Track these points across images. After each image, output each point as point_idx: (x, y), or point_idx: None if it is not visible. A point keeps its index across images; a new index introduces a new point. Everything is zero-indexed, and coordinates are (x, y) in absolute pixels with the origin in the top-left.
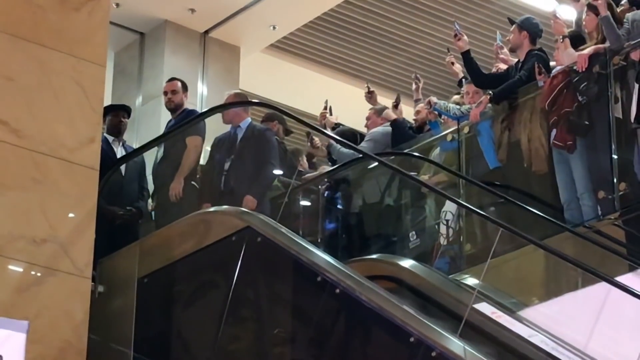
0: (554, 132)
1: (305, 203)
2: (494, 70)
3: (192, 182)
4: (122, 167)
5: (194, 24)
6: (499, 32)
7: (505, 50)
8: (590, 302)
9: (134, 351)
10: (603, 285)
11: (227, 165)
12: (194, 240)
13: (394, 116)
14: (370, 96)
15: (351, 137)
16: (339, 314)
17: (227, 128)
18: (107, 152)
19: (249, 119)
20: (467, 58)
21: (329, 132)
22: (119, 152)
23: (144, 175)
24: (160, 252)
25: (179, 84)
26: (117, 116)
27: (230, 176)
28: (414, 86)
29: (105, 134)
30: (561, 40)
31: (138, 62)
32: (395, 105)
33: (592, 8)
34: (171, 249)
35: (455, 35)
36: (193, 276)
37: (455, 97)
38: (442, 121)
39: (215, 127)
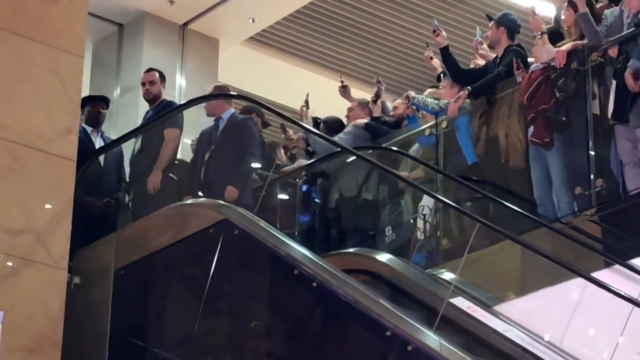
0: (531, 128)
1: (282, 196)
2: (471, 66)
3: (170, 175)
4: (101, 158)
5: (173, 15)
6: (478, 28)
7: (485, 45)
8: (566, 297)
9: (110, 343)
10: (579, 281)
11: (207, 157)
12: (172, 232)
13: (377, 112)
14: (344, 90)
15: (339, 126)
16: (315, 308)
17: (206, 120)
18: (85, 142)
19: (231, 110)
20: (445, 53)
21: (306, 124)
22: (98, 143)
23: (122, 167)
24: (138, 243)
25: (157, 74)
26: (95, 107)
27: (210, 167)
28: (376, 90)
29: (83, 125)
30: (539, 37)
31: (116, 53)
32: (375, 100)
33: (571, 4)
34: (148, 240)
35: (434, 31)
36: (170, 268)
37: (429, 90)
38: (421, 116)
39: (194, 119)
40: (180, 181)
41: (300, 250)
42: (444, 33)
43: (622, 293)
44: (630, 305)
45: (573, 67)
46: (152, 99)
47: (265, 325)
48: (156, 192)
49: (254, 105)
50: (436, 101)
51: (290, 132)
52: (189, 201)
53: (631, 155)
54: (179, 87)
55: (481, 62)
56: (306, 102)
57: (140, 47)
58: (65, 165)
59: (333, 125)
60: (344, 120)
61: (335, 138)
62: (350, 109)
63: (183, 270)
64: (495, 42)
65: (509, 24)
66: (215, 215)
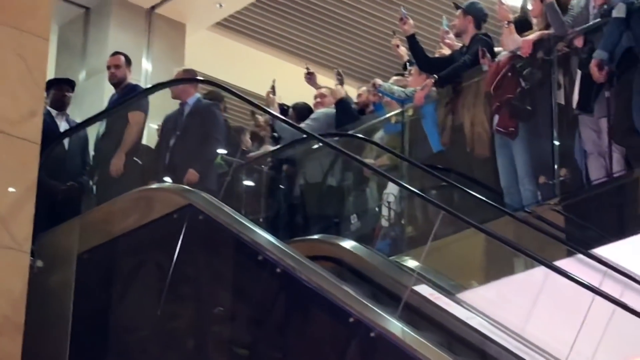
0: (496, 117)
1: (248, 182)
2: (436, 55)
3: (135, 159)
4: (65, 142)
5: None
6: (445, 17)
7: (451, 35)
8: (528, 286)
9: (72, 327)
10: (542, 270)
11: (172, 142)
12: (136, 216)
13: (342, 93)
14: (310, 77)
15: (307, 113)
16: (279, 294)
17: (173, 104)
18: (50, 126)
19: (197, 95)
20: (412, 42)
21: (272, 110)
22: (62, 126)
23: (87, 150)
24: (101, 228)
25: (123, 58)
26: (60, 90)
27: (175, 152)
28: (336, 82)
29: (48, 108)
30: (506, 26)
31: (82, 36)
32: (341, 83)
33: None
34: (112, 225)
35: (401, 19)
36: (134, 253)
37: (395, 77)
38: (386, 103)
39: (161, 103)
40: (145, 165)
41: (264, 236)
42: (411, 21)
43: (584, 282)
44: (592, 294)
45: (539, 57)
46: (117, 82)
47: (229, 311)
48: (119, 176)
49: (218, 92)
50: (402, 89)
51: (260, 118)
52: (154, 186)
53: (595, 145)
54: (145, 71)
55: (447, 51)
56: (272, 88)
57: (107, 31)
58: (29, 148)
59: (302, 112)
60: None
61: (302, 125)
62: (322, 95)
63: (147, 255)
64: (462, 31)
65: (476, 13)
66: (180, 200)
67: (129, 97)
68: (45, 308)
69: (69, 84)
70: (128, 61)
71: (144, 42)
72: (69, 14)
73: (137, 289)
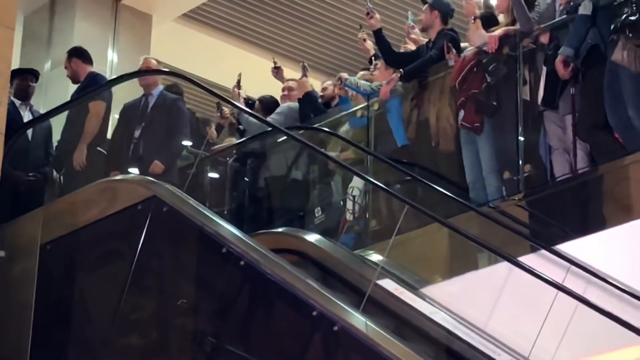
0: (462, 112)
1: (213, 174)
2: (402, 50)
3: (98, 149)
4: (29, 132)
5: None
6: (410, 12)
7: (417, 30)
8: (492, 281)
9: (35, 317)
10: (505, 265)
11: (137, 133)
12: (99, 207)
13: (309, 87)
14: (277, 71)
15: (273, 106)
16: (243, 286)
17: (136, 95)
18: (13, 116)
19: (161, 87)
20: (378, 36)
21: (238, 103)
22: (26, 116)
23: (51, 141)
24: (65, 218)
25: (69, 59)
26: (24, 80)
27: (140, 144)
28: (301, 75)
29: (12, 98)
30: (472, 21)
31: (48, 26)
32: (305, 76)
33: None
34: (76, 216)
35: (368, 13)
36: (97, 244)
37: (362, 72)
38: (351, 97)
39: (126, 95)
40: (109, 156)
41: (229, 228)
42: (377, 15)
43: (547, 278)
44: (555, 290)
45: (505, 53)
46: (73, 78)
47: (192, 303)
48: (83, 168)
49: (177, 82)
50: (368, 83)
51: (226, 110)
52: (118, 177)
53: (560, 141)
54: (111, 62)
55: (412, 46)
56: (238, 82)
57: (72, 21)
58: None
59: (268, 105)
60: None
61: (268, 118)
62: (290, 89)
63: (110, 247)
64: (429, 26)
65: (443, 8)
66: (144, 192)
67: (93, 89)
68: (8, 298)
69: (33, 74)
70: (81, 57)
71: (109, 32)
72: (34, 3)
73: (100, 280)
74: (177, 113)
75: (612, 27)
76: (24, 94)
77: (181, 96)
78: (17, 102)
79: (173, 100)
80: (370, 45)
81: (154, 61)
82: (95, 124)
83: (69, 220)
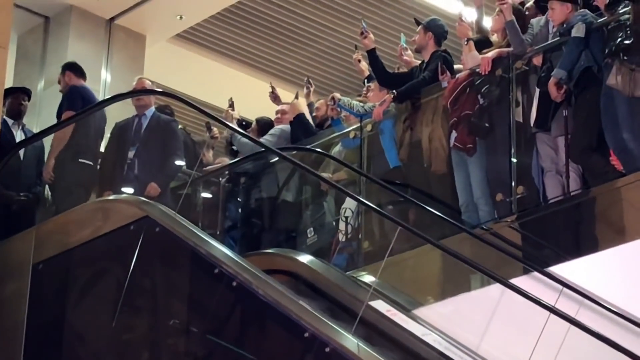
0: (454, 133)
1: (205, 194)
2: (396, 71)
3: (81, 160)
4: (21, 152)
5: (99, 10)
6: (402, 34)
7: (409, 52)
8: (484, 303)
9: (26, 337)
10: (498, 287)
11: (131, 154)
12: (92, 227)
13: (301, 109)
14: (274, 97)
15: (268, 128)
16: (235, 307)
17: (128, 114)
18: (5, 135)
19: (153, 108)
20: (372, 56)
21: (230, 124)
22: (19, 135)
23: (43, 161)
24: (57, 238)
25: (63, 74)
26: (17, 99)
27: (134, 165)
28: (305, 90)
29: (4, 117)
30: (465, 43)
31: (41, 46)
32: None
33: (501, 11)
34: (68, 235)
35: (362, 33)
36: (89, 264)
37: (357, 98)
38: (344, 118)
39: (119, 114)
40: (102, 176)
41: (221, 249)
42: (371, 36)
43: (539, 300)
44: (547, 312)
45: (498, 74)
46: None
47: (184, 324)
48: (52, 181)
49: (169, 104)
50: (361, 104)
51: (215, 130)
52: (111, 197)
53: (552, 163)
54: (104, 81)
55: (405, 68)
56: (231, 105)
57: (66, 41)
58: None
59: (264, 127)
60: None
61: (262, 139)
62: (282, 112)
63: (102, 267)
64: (423, 47)
65: (437, 30)
66: (137, 212)
67: (89, 107)
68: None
69: (25, 93)
70: (74, 70)
71: (103, 52)
72: (28, 23)
73: (92, 300)
74: (172, 135)
75: (606, 50)
76: (16, 112)
77: (173, 117)
78: (10, 122)
79: (167, 122)
80: (364, 66)
81: (147, 82)
82: (61, 133)
83: (61, 240)
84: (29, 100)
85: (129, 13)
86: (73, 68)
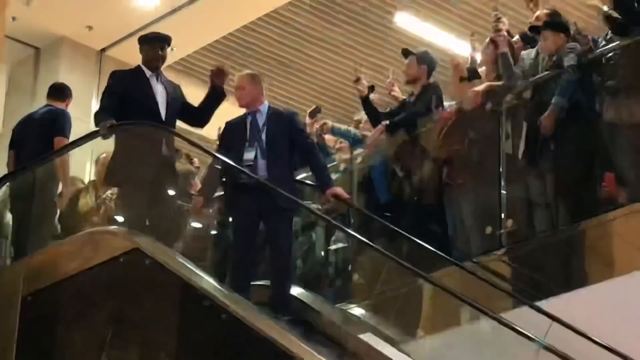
0: (445, 168)
1: (196, 226)
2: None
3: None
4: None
5: (90, 41)
6: (391, 70)
7: (397, 87)
8: (475, 336)
9: None
10: (488, 320)
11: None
12: (82, 259)
13: None
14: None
15: None
16: (225, 340)
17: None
18: (143, 87)
19: None
20: (365, 103)
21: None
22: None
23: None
24: (47, 270)
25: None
26: (153, 48)
27: None
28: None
29: (141, 65)
30: (460, 81)
31: (33, 77)
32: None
33: (493, 43)
34: (58, 267)
35: (357, 80)
36: (79, 296)
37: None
38: (335, 151)
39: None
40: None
41: (210, 281)
42: (364, 82)
43: (528, 334)
44: (537, 346)
45: (488, 108)
46: None
47: (174, 357)
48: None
49: None
50: (357, 131)
51: (196, 160)
52: (100, 228)
53: (541, 196)
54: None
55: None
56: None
57: (57, 72)
58: None
59: None
60: None
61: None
62: None
63: (92, 299)
64: (416, 79)
65: (430, 63)
66: (127, 244)
67: (82, 137)
68: None
69: (164, 41)
70: (51, 94)
71: (94, 83)
72: (19, 53)
73: (82, 333)
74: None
75: (600, 85)
76: (153, 62)
77: None
78: (148, 73)
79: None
80: (364, 85)
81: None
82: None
83: (51, 272)
84: (168, 46)
85: (119, 44)
86: (50, 92)
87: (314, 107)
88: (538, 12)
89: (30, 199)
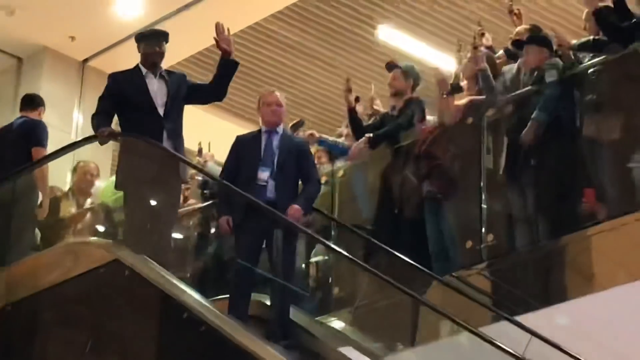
0: (426, 181)
1: (177, 237)
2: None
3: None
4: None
5: (73, 51)
6: (373, 84)
7: (378, 101)
8: (454, 350)
9: None
10: (468, 334)
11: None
12: (62, 270)
13: None
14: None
15: None
16: (204, 352)
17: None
18: (137, 84)
19: None
20: (351, 115)
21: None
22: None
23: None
24: (27, 280)
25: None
26: (149, 47)
27: None
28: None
29: (139, 65)
30: (444, 95)
31: (14, 87)
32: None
33: (473, 59)
34: (38, 278)
35: (349, 90)
36: (59, 307)
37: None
38: (319, 163)
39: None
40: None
41: (190, 293)
42: (352, 96)
43: (507, 349)
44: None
45: (469, 122)
46: None
47: None
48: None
49: None
50: (344, 142)
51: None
52: (80, 240)
53: (522, 211)
54: (77, 123)
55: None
56: (199, 150)
57: (39, 82)
58: None
59: None
60: None
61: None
62: None
63: (72, 310)
64: (402, 92)
65: (415, 78)
66: (106, 255)
67: (62, 148)
68: None
69: (160, 38)
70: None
71: (76, 94)
72: (1, 63)
73: (61, 343)
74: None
75: (580, 100)
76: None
77: None
78: (144, 71)
79: None
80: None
81: None
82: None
83: (31, 282)
84: (166, 43)
85: (102, 55)
86: (23, 102)
87: (297, 120)
88: (518, 28)
89: (10, 210)
